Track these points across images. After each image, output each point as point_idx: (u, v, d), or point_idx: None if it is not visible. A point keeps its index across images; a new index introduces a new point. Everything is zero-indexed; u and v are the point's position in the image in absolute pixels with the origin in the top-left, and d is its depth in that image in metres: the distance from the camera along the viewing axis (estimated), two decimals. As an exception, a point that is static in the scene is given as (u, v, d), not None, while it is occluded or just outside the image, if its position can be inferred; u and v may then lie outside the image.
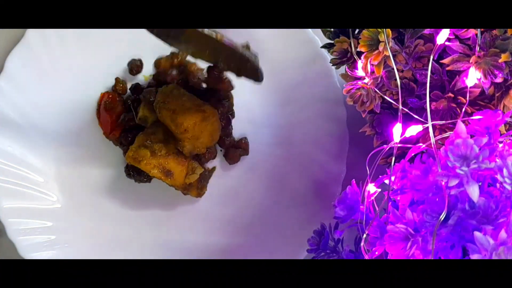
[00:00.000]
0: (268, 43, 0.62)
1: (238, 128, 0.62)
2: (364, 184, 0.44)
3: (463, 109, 0.42)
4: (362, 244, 0.41)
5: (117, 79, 0.61)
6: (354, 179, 0.46)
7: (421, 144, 0.42)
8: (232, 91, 0.60)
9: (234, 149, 0.61)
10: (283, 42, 0.61)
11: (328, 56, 0.58)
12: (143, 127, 0.58)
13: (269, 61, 0.62)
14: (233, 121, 0.61)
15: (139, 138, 0.56)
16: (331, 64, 0.48)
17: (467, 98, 0.43)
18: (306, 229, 0.56)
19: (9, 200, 0.55)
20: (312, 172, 0.59)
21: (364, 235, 0.40)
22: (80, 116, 0.60)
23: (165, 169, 0.55)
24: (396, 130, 0.41)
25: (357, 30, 0.47)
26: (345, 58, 0.47)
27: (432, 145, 0.38)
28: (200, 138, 0.55)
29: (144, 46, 0.61)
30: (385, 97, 0.45)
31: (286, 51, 0.62)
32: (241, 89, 0.60)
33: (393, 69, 0.43)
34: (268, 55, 0.62)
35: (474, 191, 0.34)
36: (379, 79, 0.46)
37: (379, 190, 0.43)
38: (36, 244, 0.55)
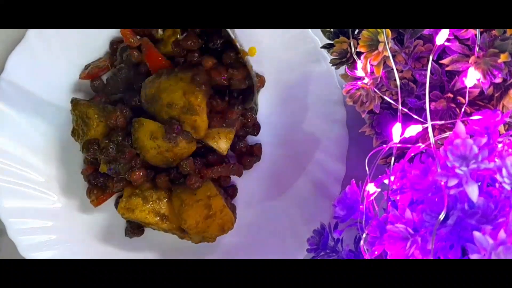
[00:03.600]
0: (268, 43, 0.62)
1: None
2: (363, 184, 0.44)
3: (462, 109, 0.42)
4: (361, 243, 0.41)
5: None
6: (354, 179, 0.46)
7: (420, 144, 0.42)
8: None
9: (249, 157, 0.60)
10: (283, 42, 0.61)
11: (328, 56, 0.58)
12: None
13: (269, 61, 0.62)
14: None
15: (127, 190, 0.55)
16: (331, 64, 0.48)
17: (466, 98, 0.43)
18: (305, 229, 0.56)
19: (10, 200, 0.56)
20: (312, 172, 0.59)
21: (364, 235, 0.41)
22: (80, 116, 0.60)
23: (160, 213, 0.54)
24: (396, 130, 0.41)
25: (356, 31, 0.47)
26: (345, 59, 0.47)
27: (432, 145, 0.38)
28: (207, 231, 0.54)
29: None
30: (385, 97, 0.45)
31: (286, 51, 0.62)
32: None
33: (392, 69, 0.43)
34: (268, 55, 0.62)
35: (473, 191, 0.34)
36: (379, 79, 0.46)
37: (379, 190, 0.43)
38: (37, 243, 0.55)
